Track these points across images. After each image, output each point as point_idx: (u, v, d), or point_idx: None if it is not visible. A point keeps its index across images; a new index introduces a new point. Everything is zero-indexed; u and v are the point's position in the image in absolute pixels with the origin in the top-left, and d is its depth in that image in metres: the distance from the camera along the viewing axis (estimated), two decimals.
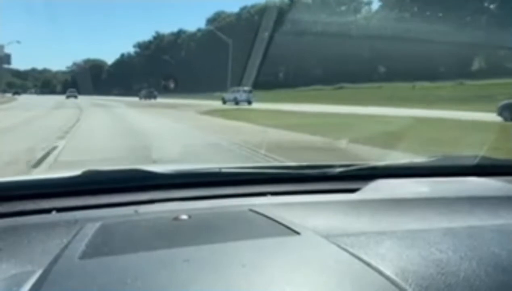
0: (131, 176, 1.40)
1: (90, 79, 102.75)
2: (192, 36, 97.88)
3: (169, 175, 1.42)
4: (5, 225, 1.06)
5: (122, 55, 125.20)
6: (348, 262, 0.76)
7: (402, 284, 0.70)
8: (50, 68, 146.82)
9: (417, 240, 0.88)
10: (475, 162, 1.67)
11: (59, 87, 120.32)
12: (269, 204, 1.21)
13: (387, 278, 0.71)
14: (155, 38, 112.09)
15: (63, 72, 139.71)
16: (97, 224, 0.98)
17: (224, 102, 40.23)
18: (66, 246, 0.86)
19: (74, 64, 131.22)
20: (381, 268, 0.74)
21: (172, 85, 69.11)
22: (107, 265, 0.77)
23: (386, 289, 0.68)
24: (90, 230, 0.94)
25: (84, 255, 0.80)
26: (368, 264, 0.75)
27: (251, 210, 1.08)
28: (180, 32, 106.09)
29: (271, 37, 43.40)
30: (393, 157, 6.91)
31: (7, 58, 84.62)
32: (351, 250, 0.81)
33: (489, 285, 0.72)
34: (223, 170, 1.53)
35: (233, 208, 1.17)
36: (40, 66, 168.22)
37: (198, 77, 69.76)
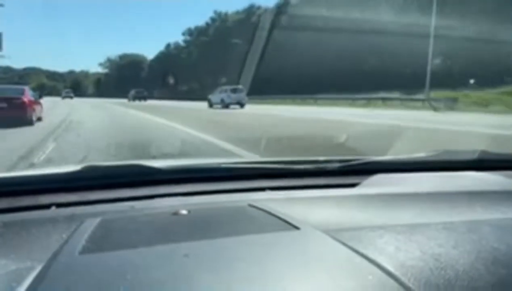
0: (131, 171, 1.40)
1: (126, 77, 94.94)
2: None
3: (168, 170, 1.43)
4: (5, 220, 1.06)
5: (168, 46, 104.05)
6: (347, 257, 0.76)
7: (402, 278, 0.70)
8: (87, 70, 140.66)
9: (416, 235, 0.88)
10: (474, 156, 1.67)
11: (91, 89, 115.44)
12: (268, 199, 1.21)
13: (387, 272, 0.71)
14: (213, 19, 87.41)
15: (94, 74, 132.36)
16: (97, 219, 0.98)
17: (211, 105, 34.53)
18: (65, 242, 0.86)
19: (108, 60, 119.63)
20: (381, 262, 0.74)
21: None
22: (107, 260, 0.77)
23: (385, 283, 0.68)
24: (90, 225, 0.94)
25: (84, 251, 0.80)
26: (368, 259, 0.75)
27: (250, 205, 1.08)
28: (252, 7, 78.03)
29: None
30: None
31: None
32: (350, 244, 0.81)
33: (488, 279, 0.72)
34: (223, 165, 1.55)
35: (233, 203, 1.17)
36: (78, 68, 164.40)
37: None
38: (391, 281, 0.68)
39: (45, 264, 0.76)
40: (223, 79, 60.65)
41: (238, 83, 38.36)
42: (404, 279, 0.70)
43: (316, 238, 0.85)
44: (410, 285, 0.69)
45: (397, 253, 0.80)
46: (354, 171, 1.55)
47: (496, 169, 1.60)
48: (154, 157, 6.55)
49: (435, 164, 1.70)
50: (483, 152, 1.71)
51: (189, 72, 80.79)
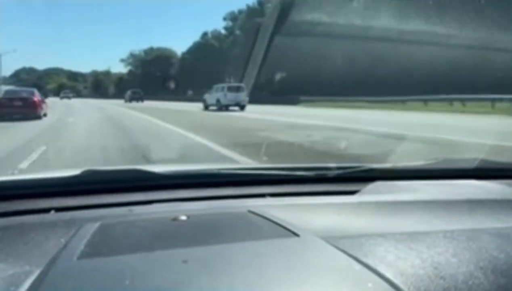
0: (130, 176, 1.41)
1: (153, 74, 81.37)
2: None
3: (168, 176, 1.43)
4: (3, 224, 1.06)
5: (204, 35, 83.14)
6: (347, 264, 0.76)
7: (401, 286, 0.70)
8: (109, 68, 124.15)
9: (416, 243, 0.88)
10: (474, 164, 1.67)
11: (112, 89, 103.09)
12: (268, 205, 1.21)
13: (386, 280, 0.71)
14: None
15: (115, 73, 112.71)
16: (96, 224, 0.97)
17: (206, 106, 30.39)
18: (64, 246, 0.86)
19: (131, 55, 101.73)
20: (380, 270, 0.74)
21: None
22: (105, 265, 0.77)
23: None
24: (89, 230, 0.94)
25: (83, 255, 0.79)
26: (367, 266, 0.75)
27: (250, 211, 1.08)
28: None
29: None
30: None
31: None
32: (350, 252, 0.81)
33: (488, 288, 0.72)
34: (222, 171, 1.56)
35: (232, 209, 1.17)
36: (101, 68, 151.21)
37: None
38: (391, 289, 0.68)
39: (43, 268, 0.76)
40: (279, 75, 54.77)
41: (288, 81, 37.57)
42: (403, 287, 0.70)
43: (315, 245, 0.85)
44: None
45: (397, 261, 0.80)
46: (354, 178, 1.56)
47: (495, 178, 1.60)
48: (153, 162, 6.53)
49: (434, 172, 1.71)
50: (482, 160, 1.72)
51: (235, 64, 62.16)
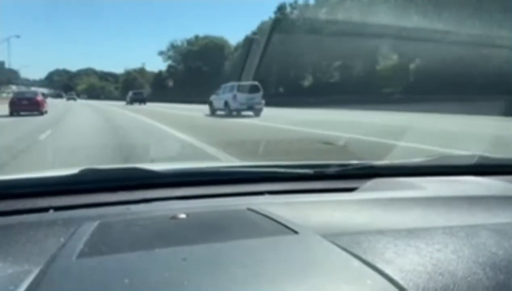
0: (129, 174, 1.41)
1: (199, 69, 67.79)
2: None
3: (167, 174, 1.44)
4: (2, 223, 1.06)
5: (279, 10, 55.18)
6: (346, 261, 0.76)
7: (400, 282, 0.70)
8: (143, 66, 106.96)
9: (415, 239, 0.89)
10: (473, 161, 1.67)
11: (147, 88, 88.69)
12: (267, 203, 1.21)
13: (386, 277, 0.71)
14: None
15: (150, 72, 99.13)
16: (95, 223, 0.97)
17: (213, 110, 24.92)
18: (63, 245, 0.86)
19: (172, 47, 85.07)
20: (380, 267, 0.74)
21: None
22: (105, 264, 0.77)
23: (384, 288, 0.68)
24: (88, 228, 0.94)
25: (82, 254, 0.79)
26: (367, 263, 0.75)
27: (249, 209, 1.08)
28: None
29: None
30: None
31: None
32: (349, 249, 0.81)
33: (487, 284, 0.72)
34: (221, 169, 1.58)
35: (231, 207, 1.17)
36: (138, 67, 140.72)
37: None
38: (390, 286, 0.68)
39: (42, 267, 0.76)
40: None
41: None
42: (402, 283, 0.70)
43: (315, 242, 0.85)
44: (409, 289, 0.69)
45: (396, 257, 0.80)
46: (353, 175, 1.56)
47: (494, 174, 1.60)
48: (152, 160, 6.60)
49: (433, 168, 1.71)
50: (481, 157, 1.72)
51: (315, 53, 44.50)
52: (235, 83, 24.12)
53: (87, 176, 1.35)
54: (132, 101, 48.85)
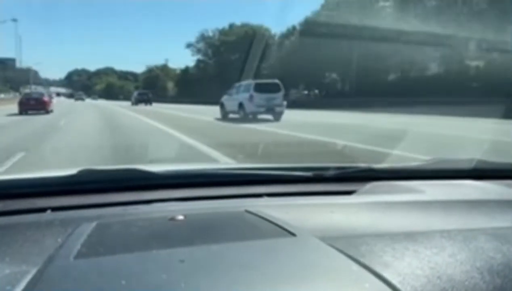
0: (127, 175, 1.41)
1: (235, 64, 52.01)
2: None
3: (165, 175, 1.43)
4: (0, 223, 1.06)
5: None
6: (344, 264, 0.76)
7: (398, 286, 0.70)
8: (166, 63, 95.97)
9: (413, 243, 0.88)
10: (471, 165, 1.67)
11: (171, 87, 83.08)
12: (265, 205, 1.21)
13: (383, 280, 0.71)
14: None
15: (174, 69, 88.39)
16: (93, 224, 0.97)
17: (225, 114, 21.48)
18: (61, 246, 0.86)
19: (202, 38, 74.71)
20: (377, 270, 0.74)
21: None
22: (102, 265, 0.77)
23: None
24: (86, 229, 0.93)
25: (79, 255, 0.79)
26: (364, 266, 0.75)
27: (247, 211, 1.08)
28: None
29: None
30: None
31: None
32: (347, 252, 0.81)
33: (484, 289, 0.72)
34: (220, 171, 1.59)
35: (229, 209, 1.17)
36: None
37: None
38: (388, 289, 0.68)
39: (39, 268, 0.76)
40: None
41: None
42: (400, 287, 0.70)
43: (312, 245, 0.85)
44: None
45: (394, 261, 0.80)
46: (351, 178, 1.56)
47: (492, 178, 1.60)
48: (150, 161, 6.59)
49: (432, 172, 1.71)
50: (479, 161, 1.71)
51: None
52: (251, 82, 20.46)
53: (85, 176, 1.35)
54: (137, 102, 47.62)
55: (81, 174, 1.35)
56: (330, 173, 1.55)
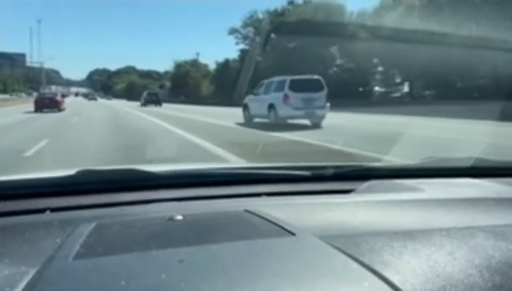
0: (126, 176, 1.41)
1: (299, 53, 41.59)
2: None
3: (164, 175, 1.44)
4: None
5: None
6: (343, 263, 0.77)
7: (397, 284, 0.70)
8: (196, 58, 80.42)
9: (412, 241, 0.89)
10: (470, 163, 1.67)
11: (205, 86, 67.67)
12: (264, 204, 1.20)
13: (383, 278, 0.71)
14: None
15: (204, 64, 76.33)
16: (92, 224, 0.97)
17: (249, 118, 17.79)
18: (60, 246, 0.86)
19: (250, 19, 58.77)
20: (377, 269, 0.75)
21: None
22: (101, 265, 0.77)
23: (381, 289, 0.68)
24: (85, 230, 0.93)
25: (78, 256, 0.79)
26: (364, 265, 0.75)
27: (246, 211, 1.08)
28: None
29: None
30: None
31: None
32: (346, 250, 0.81)
33: (483, 287, 0.72)
34: (218, 170, 1.59)
35: (228, 208, 1.17)
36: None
37: None
38: (387, 288, 0.68)
39: (39, 268, 0.76)
40: None
41: None
42: (400, 285, 0.70)
43: (312, 244, 0.85)
44: None
45: (393, 259, 0.80)
46: (350, 177, 1.56)
47: (491, 176, 1.60)
48: (149, 161, 6.64)
49: (430, 170, 1.71)
50: (478, 159, 1.72)
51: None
52: (286, 78, 16.02)
53: (83, 177, 1.35)
54: (146, 102, 45.22)
55: (79, 174, 1.34)
56: (329, 172, 1.55)
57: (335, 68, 46.32)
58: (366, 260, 0.78)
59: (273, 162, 1.88)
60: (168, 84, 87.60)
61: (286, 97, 15.31)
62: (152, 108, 38.30)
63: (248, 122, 17.43)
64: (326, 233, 0.91)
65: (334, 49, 46.62)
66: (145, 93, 49.25)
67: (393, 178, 1.57)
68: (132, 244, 0.86)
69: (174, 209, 1.15)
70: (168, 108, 37.70)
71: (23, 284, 0.71)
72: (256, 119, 17.36)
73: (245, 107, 18.55)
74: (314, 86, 15.69)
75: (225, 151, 8.53)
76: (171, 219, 1.02)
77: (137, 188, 1.37)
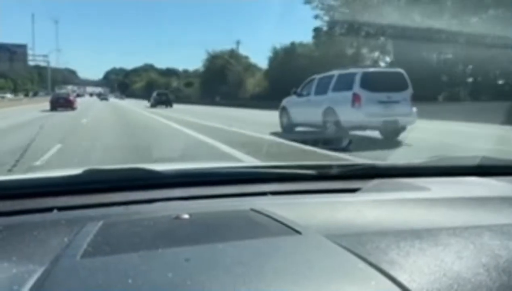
0: (132, 175, 1.41)
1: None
2: None
3: (170, 174, 1.45)
4: (7, 223, 1.06)
5: None
6: (350, 262, 0.77)
7: (404, 283, 0.70)
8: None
9: (419, 240, 0.89)
10: (476, 162, 1.66)
11: (252, 83, 50.01)
12: (270, 203, 1.20)
13: (389, 277, 0.71)
14: None
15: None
16: (99, 223, 0.98)
17: (289, 125, 13.04)
18: (67, 245, 0.86)
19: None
20: (383, 268, 0.74)
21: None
22: (108, 264, 0.77)
23: (388, 288, 0.68)
24: (92, 229, 0.94)
25: (86, 254, 0.80)
26: (371, 264, 0.75)
27: (252, 210, 1.08)
28: None
29: None
30: None
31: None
32: (353, 249, 0.81)
33: (490, 286, 0.72)
34: (224, 169, 1.58)
35: (234, 207, 1.17)
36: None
37: None
38: (394, 287, 0.68)
39: (46, 267, 0.77)
40: None
41: None
42: (406, 284, 0.70)
43: (318, 243, 0.85)
44: (413, 290, 0.69)
45: (400, 258, 0.80)
46: (355, 176, 1.56)
47: (498, 175, 1.59)
48: (155, 161, 6.69)
49: (436, 169, 1.70)
50: (484, 157, 1.71)
51: None
52: (356, 71, 11.02)
53: (90, 176, 1.36)
54: (156, 103, 40.82)
55: (86, 173, 1.35)
56: (335, 170, 1.56)
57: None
58: (372, 259, 0.78)
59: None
60: (196, 82, 71.16)
61: (356, 98, 10.29)
62: (163, 110, 33.55)
63: (288, 132, 12.51)
64: (332, 231, 0.91)
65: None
66: (154, 94, 44.70)
67: (400, 176, 1.57)
68: (139, 242, 0.87)
69: (181, 208, 1.15)
70: (192, 112, 27.43)
71: (31, 282, 0.72)
72: (299, 128, 12.65)
73: (283, 112, 13.58)
74: (395, 83, 10.67)
75: None
76: (177, 218, 1.02)
77: (143, 187, 1.37)
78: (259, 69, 56.01)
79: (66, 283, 0.70)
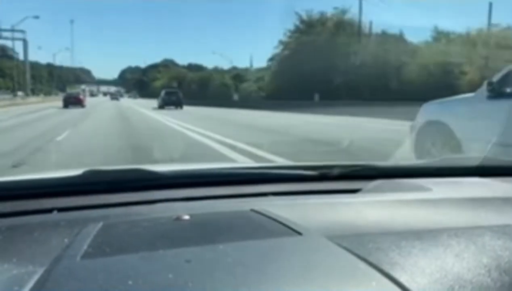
0: (133, 176, 1.41)
1: None
2: None
3: (170, 175, 1.44)
4: (7, 224, 1.06)
5: None
6: (351, 263, 0.77)
7: (405, 284, 0.70)
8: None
9: (420, 241, 0.88)
10: (477, 162, 1.66)
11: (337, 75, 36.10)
12: (271, 204, 1.20)
13: (391, 278, 0.71)
14: None
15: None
16: (99, 224, 0.98)
17: (450, 147, 5.54)
18: (67, 246, 0.87)
19: None
20: (384, 268, 0.74)
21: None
22: (108, 265, 0.77)
23: (389, 289, 0.68)
24: (92, 230, 0.94)
25: (86, 255, 0.80)
26: (372, 265, 0.75)
27: (252, 210, 1.08)
28: None
29: None
30: None
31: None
32: (354, 250, 0.81)
33: (492, 287, 0.72)
34: (224, 170, 1.58)
35: (235, 208, 1.17)
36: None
37: None
38: (395, 288, 0.68)
39: (46, 268, 0.77)
40: None
41: None
42: (408, 285, 0.70)
43: (319, 244, 0.85)
44: None
45: (401, 259, 0.80)
46: (356, 176, 1.55)
47: (499, 175, 1.59)
48: (156, 161, 6.61)
49: (437, 169, 1.70)
50: (486, 158, 1.71)
51: None
52: None
53: (90, 177, 1.36)
54: (164, 103, 35.79)
55: (86, 174, 1.35)
56: (336, 171, 1.55)
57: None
58: (373, 260, 0.78)
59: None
60: (265, 75, 53.28)
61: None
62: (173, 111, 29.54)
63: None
64: (333, 232, 0.91)
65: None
66: (162, 93, 38.88)
67: (400, 177, 1.56)
68: (139, 244, 0.87)
69: (181, 208, 1.15)
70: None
71: (31, 283, 0.72)
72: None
73: (433, 132, 6.16)
74: None
75: None
76: (177, 218, 1.02)
77: (143, 187, 1.36)
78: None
79: (66, 284, 0.70)
